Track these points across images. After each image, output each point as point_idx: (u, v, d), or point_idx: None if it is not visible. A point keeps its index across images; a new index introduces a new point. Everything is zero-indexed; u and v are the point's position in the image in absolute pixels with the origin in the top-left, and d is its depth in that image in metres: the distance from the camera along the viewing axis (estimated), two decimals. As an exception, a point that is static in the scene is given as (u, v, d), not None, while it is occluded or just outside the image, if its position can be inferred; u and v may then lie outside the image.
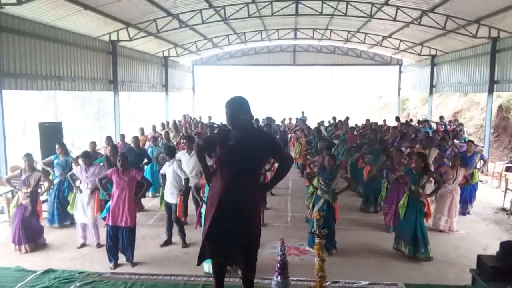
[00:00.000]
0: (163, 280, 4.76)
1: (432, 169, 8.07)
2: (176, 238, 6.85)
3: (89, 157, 6.93)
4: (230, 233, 3.40)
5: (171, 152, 6.97)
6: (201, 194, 6.49)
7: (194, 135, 11.03)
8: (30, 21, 10.16)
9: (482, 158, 8.98)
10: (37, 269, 5.10)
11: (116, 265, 5.91)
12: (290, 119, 19.55)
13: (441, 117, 15.80)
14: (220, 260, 3.61)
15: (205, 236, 3.49)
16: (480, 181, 10.85)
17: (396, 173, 7.29)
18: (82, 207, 6.70)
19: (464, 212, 8.48)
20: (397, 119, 16.34)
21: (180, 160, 7.40)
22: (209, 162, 4.00)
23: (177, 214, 6.65)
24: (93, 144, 8.81)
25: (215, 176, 3.56)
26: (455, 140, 11.27)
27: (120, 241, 5.92)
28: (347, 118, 16.24)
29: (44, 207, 7.73)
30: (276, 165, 4.14)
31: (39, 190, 7.00)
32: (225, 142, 3.44)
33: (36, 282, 4.66)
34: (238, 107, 3.42)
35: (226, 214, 3.39)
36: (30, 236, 6.52)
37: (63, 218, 7.82)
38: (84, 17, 11.41)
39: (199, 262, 3.63)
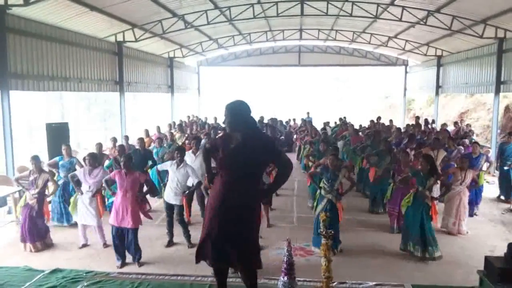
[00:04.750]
0: (169, 280, 4.78)
1: (439, 171, 8.01)
2: (181, 238, 6.85)
3: (96, 158, 6.94)
4: (229, 235, 3.44)
5: (183, 154, 6.84)
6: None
7: (204, 135, 10.95)
8: (36, 22, 10.23)
9: (487, 159, 8.92)
10: (45, 268, 5.15)
11: (123, 264, 5.94)
12: (294, 120, 19.54)
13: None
14: (219, 264, 3.64)
15: (205, 235, 3.54)
16: (487, 182, 10.78)
17: (402, 175, 7.24)
18: (83, 208, 6.67)
19: (471, 213, 8.40)
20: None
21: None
22: (213, 163, 4.03)
23: (186, 215, 6.66)
24: (100, 145, 8.81)
25: (217, 177, 3.64)
26: (466, 140, 11.16)
27: (125, 241, 5.96)
28: (345, 119, 16.17)
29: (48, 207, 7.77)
30: None
31: (46, 192, 7.01)
32: (227, 146, 3.54)
33: (44, 282, 4.70)
34: (236, 112, 3.50)
35: (225, 215, 3.45)
36: (34, 235, 6.55)
37: (72, 217, 7.84)
38: (90, 18, 11.48)
39: (198, 260, 3.65)
